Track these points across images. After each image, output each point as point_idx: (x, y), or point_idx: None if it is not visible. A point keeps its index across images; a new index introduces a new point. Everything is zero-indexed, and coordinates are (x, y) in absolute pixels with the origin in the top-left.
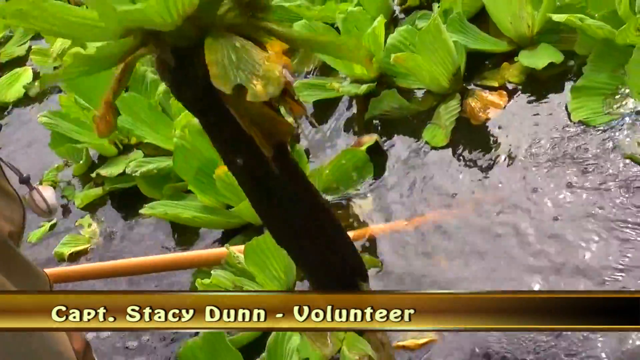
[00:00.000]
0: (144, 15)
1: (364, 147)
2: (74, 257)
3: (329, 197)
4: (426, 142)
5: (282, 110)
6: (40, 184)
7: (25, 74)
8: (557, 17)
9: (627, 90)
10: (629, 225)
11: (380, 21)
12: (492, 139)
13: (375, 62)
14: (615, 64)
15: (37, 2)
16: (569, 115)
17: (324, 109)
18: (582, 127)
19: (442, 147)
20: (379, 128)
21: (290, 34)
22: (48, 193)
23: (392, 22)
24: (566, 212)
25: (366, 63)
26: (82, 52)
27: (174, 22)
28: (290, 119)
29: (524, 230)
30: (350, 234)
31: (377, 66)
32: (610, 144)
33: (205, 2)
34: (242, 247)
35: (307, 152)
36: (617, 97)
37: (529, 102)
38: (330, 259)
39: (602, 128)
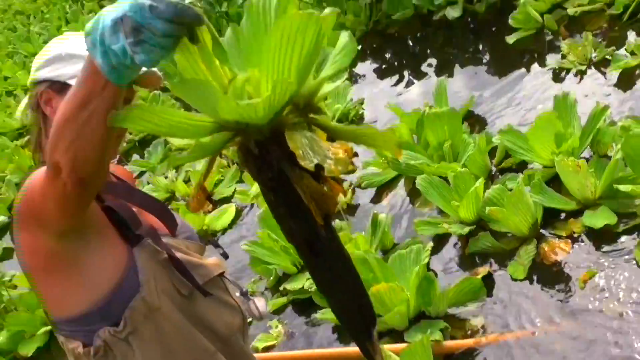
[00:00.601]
0: (252, 109)
1: (479, 276)
2: (265, 350)
3: (452, 312)
4: (510, 275)
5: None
6: (253, 295)
7: (230, 210)
8: (624, 188)
9: None
10: None
11: (481, 181)
12: (560, 275)
13: (475, 210)
14: None
15: (147, 107)
16: (636, 263)
17: (440, 242)
18: None
19: (522, 280)
20: (477, 259)
21: (337, 128)
22: (261, 303)
23: (490, 178)
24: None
25: (396, 152)
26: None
27: (269, 115)
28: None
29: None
30: (467, 342)
31: (477, 213)
32: None
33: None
34: (390, 346)
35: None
36: None
37: (590, 249)
38: (358, 305)
39: None
